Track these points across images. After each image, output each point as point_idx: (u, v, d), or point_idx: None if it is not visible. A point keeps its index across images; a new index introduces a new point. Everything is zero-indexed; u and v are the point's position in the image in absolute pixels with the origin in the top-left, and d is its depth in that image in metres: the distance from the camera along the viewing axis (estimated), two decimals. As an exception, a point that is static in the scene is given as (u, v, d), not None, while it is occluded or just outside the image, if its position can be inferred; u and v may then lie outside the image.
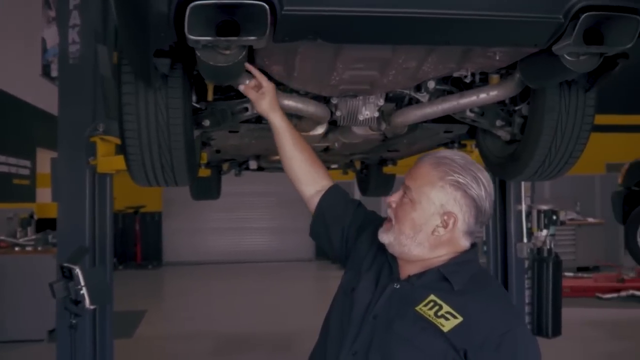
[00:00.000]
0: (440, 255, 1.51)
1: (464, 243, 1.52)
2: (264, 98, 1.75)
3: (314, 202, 1.80)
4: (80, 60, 3.76)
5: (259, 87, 1.74)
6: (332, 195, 1.80)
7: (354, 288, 1.58)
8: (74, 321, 2.74)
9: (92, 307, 2.73)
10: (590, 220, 11.56)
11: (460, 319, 1.40)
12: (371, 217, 1.76)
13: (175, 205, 12.93)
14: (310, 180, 1.80)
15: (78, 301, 2.69)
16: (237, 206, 13.07)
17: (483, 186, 1.49)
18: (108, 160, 3.69)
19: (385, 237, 1.54)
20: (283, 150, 1.80)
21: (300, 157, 1.79)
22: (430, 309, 1.43)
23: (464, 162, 1.50)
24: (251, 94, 1.73)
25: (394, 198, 1.55)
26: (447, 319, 1.41)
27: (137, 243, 12.92)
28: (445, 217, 1.48)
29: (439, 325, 1.40)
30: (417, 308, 1.45)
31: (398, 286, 1.51)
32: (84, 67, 3.75)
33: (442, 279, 1.48)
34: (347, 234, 1.74)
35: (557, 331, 4.09)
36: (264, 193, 13.00)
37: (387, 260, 1.58)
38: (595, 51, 1.73)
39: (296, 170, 1.80)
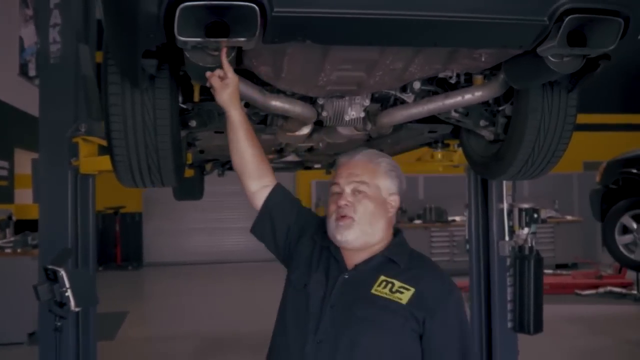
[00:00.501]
0: (385, 237, 1.72)
1: (394, 220, 1.77)
2: (227, 89, 1.74)
3: (258, 198, 1.86)
4: (61, 60, 3.72)
5: (223, 78, 1.74)
6: (278, 194, 1.86)
7: (305, 284, 1.69)
8: (58, 324, 2.71)
9: (77, 309, 2.70)
10: (569, 218, 11.72)
11: (412, 289, 1.60)
12: (311, 216, 1.88)
13: (156, 206, 12.83)
14: (258, 175, 1.84)
15: (63, 303, 2.66)
16: (218, 206, 13.01)
17: (397, 164, 1.79)
18: (91, 160, 3.66)
19: (349, 233, 1.66)
20: (236, 144, 1.82)
21: (251, 152, 1.82)
22: (384, 287, 1.61)
23: (379, 152, 1.78)
24: (216, 82, 1.73)
25: (348, 199, 1.68)
26: (402, 292, 1.60)
27: (117, 244, 12.79)
28: (392, 199, 1.74)
29: (397, 300, 1.59)
30: (373, 290, 1.62)
31: (347, 276, 1.67)
32: (66, 67, 3.71)
33: (387, 261, 1.68)
34: (292, 233, 1.83)
35: (538, 328, 4.13)
36: (244, 192, 12.94)
37: (331, 255, 1.72)
38: (579, 53, 1.77)
39: (246, 164, 1.83)
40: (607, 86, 11.30)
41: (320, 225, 1.81)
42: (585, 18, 1.64)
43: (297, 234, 1.82)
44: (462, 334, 1.62)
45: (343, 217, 1.67)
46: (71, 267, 3.39)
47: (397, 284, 1.61)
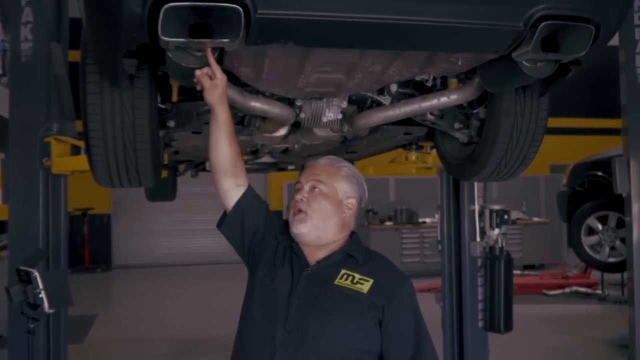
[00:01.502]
0: (342, 237, 1.84)
1: (353, 225, 1.88)
2: (216, 88, 1.76)
3: (231, 196, 1.91)
4: (32, 59, 3.66)
5: (211, 77, 1.75)
6: (251, 196, 1.94)
7: (272, 279, 1.80)
8: (31, 326, 2.67)
9: (51, 310, 2.66)
10: (536, 219, 11.95)
11: (371, 281, 1.75)
12: (276, 220, 1.98)
13: (125, 207, 12.65)
14: (233, 174, 1.90)
15: (36, 305, 2.62)
16: (188, 208, 12.87)
17: (363, 178, 1.91)
18: (63, 160, 3.62)
19: (303, 226, 1.79)
20: (218, 142, 1.85)
21: (230, 151, 1.86)
22: (346, 280, 1.75)
23: (346, 162, 1.90)
24: (206, 82, 1.74)
25: (303, 194, 1.82)
26: (362, 283, 1.74)
27: (85, 246, 12.56)
28: (349, 202, 1.85)
29: (358, 290, 1.73)
30: (336, 282, 1.75)
31: (310, 270, 1.79)
32: (37, 66, 3.66)
33: (346, 256, 1.81)
34: (258, 234, 1.92)
35: (508, 327, 4.21)
36: (214, 194, 12.76)
37: (294, 253, 1.84)
38: (552, 58, 1.83)
39: (224, 162, 1.87)
40: (573, 91, 11.56)
41: (283, 227, 1.92)
42: (558, 25, 1.70)
43: (262, 235, 1.92)
44: (415, 317, 1.78)
45: (298, 211, 1.80)
46: (42, 268, 3.34)
47: (357, 276, 1.76)
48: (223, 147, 1.84)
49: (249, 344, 1.76)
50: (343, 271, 1.77)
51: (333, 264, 1.80)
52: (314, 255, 1.82)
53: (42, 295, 2.61)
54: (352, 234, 1.90)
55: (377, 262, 1.84)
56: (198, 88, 1.76)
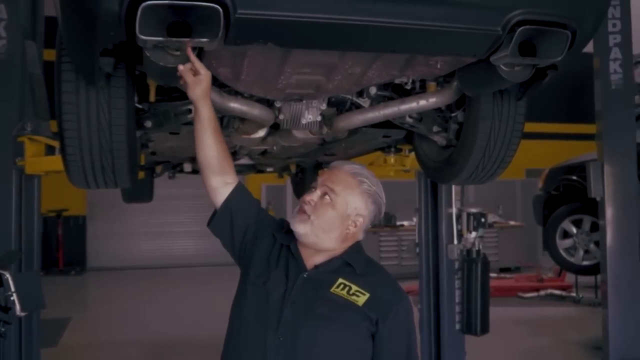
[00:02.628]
0: (344, 247, 1.78)
1: (360, 237, 1.82)
2: (200, 84, 1.73)
3: (220, 194, 1.87)
4: (6, 56, 3.60)
5: (194, 73, 1.72)
6: (240, 193, 1.89)
7: (265, 281, 1.75)
8: (2, 329, 2.60)
9: (23, 313, 2.60)
10: (512, 223, 12.09)
11: (367, 295, 1.70)
12: (269, 218, 1.94)
13: (101, 209, 12.49)
14: (221, 171, 1.85)
15: (8, 308, 2.55)
16: (166, 209, 12.77)
17: (383, 196, 1.83)
18: (37, 161, 3.56)
19: (301, 227, 1.74)
20: (203, 139, 1.82)
21: (217, 148, 1.83)
22: (342, 289, 1.70)
23: (371, 175, 1.82)
24: (189, 77, 1.71)
25: (313, 197, 1.77)
26: (358, 296, 1.69)
27: (59, 248, 12.37)
28: (357, 219, 1.77)
29: (353, 302, 1.68)
30: (332, 290, 1.70)
31: (307, 275, 1.74)
32: (11, 64, 3.60)
33: (345, 265, 1.76)
34: (249, 232, 1.87)
35: (485, 329, 4.25)
36: (194, 196, 12.69)
37: (291, 254, 1.78)
38: (529, 62, 1.85)
39: (211, 160, 1.84)
40: (549, 96, 11.74)
41: (279, 226, 1.87)
42: (536, 30, 1.72)
43: (254, 234, 1.86)
44: (409, 339, 1.74)
45: (303, 212, 1.76)
46: (14, 271, 3.28)
47: (354, 287, 1.70)
48: (208, 144, 1.81)
49: (239, 345, 1.73)
50: (340, 280, 1.72)
51: (331, 270, 1.75)
52: (311, 259, 1.77)
53: (14, 297, 2.54)
54: (356, 242, 1.85)
55: (376, 275, 1.78)
56: (181, 83, 1.73)
